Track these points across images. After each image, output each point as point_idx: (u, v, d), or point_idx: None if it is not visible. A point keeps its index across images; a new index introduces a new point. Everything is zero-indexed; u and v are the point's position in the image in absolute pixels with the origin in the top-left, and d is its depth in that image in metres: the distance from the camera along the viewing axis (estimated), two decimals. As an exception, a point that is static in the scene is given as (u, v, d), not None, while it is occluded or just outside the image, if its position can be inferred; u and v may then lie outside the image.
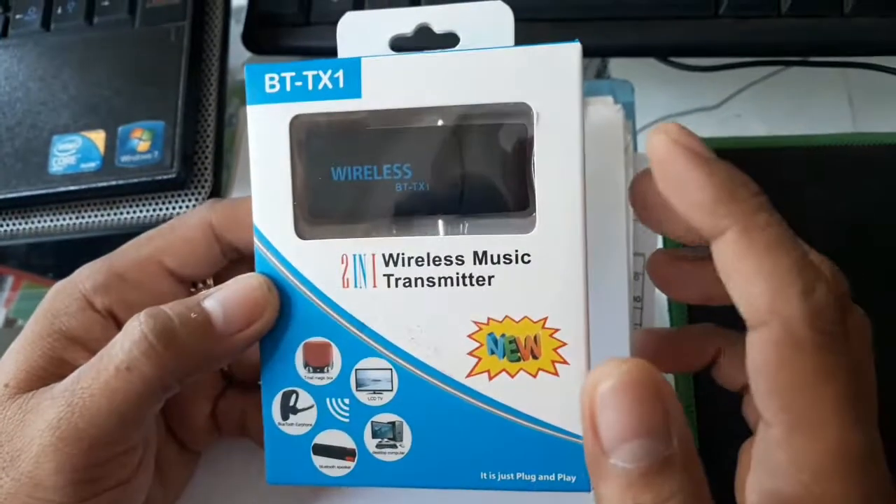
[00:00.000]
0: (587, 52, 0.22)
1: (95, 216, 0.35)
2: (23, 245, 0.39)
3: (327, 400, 0.23)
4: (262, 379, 0.23)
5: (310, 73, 0.22)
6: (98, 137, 0.35)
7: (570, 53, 0.21)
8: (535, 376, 0.22)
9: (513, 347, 0.22)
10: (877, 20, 0.35)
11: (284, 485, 0.23)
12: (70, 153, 0.35)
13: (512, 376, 0.22)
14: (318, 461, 0.23)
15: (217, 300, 0.23)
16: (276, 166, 0.22)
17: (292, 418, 0.23)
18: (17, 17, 0.39)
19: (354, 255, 0.22)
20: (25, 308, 0.40)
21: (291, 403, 0.23)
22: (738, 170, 0.19)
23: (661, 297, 0.33)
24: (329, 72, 0.22)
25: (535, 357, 0.22)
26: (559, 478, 0.22)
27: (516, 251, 0.22)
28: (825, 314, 0.17)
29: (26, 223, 0.36)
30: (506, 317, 0.22)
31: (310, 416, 0.23)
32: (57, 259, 0.39)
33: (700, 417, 0.30)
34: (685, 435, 0.16)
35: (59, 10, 0.39)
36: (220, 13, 0.38)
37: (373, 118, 0.22)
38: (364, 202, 0.23)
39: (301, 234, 0.23)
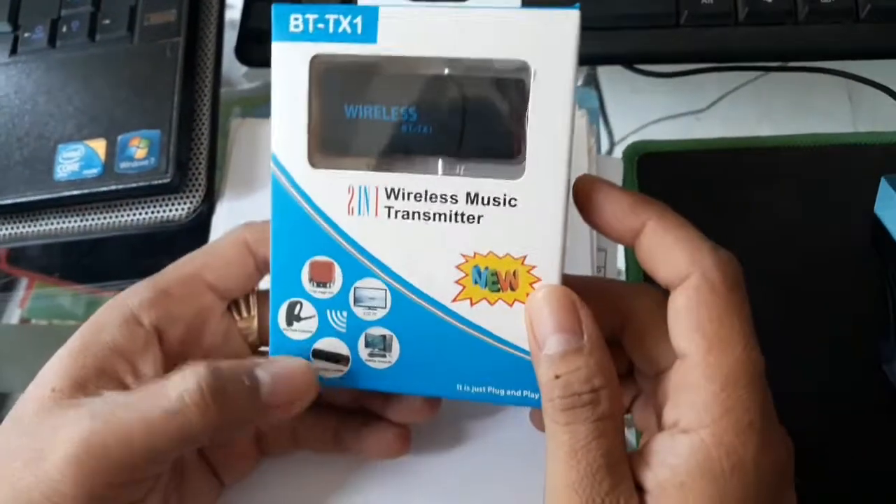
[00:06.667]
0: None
1: (97, 219, 0.38)
2: (33, 247, 0.42)
3: (328, 311, 0.26)
4: (272, 289, 0.26)
5: (331, 17, 0.24)
6: (99, 146, 0.38)
7: (569, 18, 0.23)
8: (511, 305, 0.25)
9: (494, 279, 0.25)
10: (828, 27, 0.38)
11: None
12: (74, 160, 0.38)
13: (491, 304, 0.25)
14: (317, 364, 0.26)
15: (268, 373, 0.25)
16: (295, 100, 0.25)
17: (296, 325, 0.26)
18: (26, 35, 0.42)
19: (360, 186, 0.25)
20: (38, 307, 0.43)
21: (296, 312, 0.26)
22: None
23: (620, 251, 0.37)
24: (349, 17, 0.24)
25: (512, 289, 0.25)
26: (524, 394, 0.25)
27: (504, 194, 0.24)
28: (731, 263, 0.23)
29: (34, 226, 0.39)
30: (490, 252, 0.25)
31: (311, 325, 0.26)
32: (63, 259, 0.43)
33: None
34: (594, 333, 0.23)
35: (64, 29, 0.41)
36: (213, 29, 0.41)
37: (386, 63, 0.25)
38: (372, 139, 0.25)
39: (314, 163, 0.25)
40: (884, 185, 0.33)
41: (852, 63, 0.40)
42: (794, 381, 0.31)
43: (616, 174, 0.38)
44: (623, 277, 0.37)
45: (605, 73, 0.46)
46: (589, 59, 0.41)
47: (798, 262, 0.34)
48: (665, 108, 0.47)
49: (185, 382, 0.24)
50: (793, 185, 0.36)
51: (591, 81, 0.46)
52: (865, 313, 0.33)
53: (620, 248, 0.37)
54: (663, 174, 0.37)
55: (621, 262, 0.37)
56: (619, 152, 0.39)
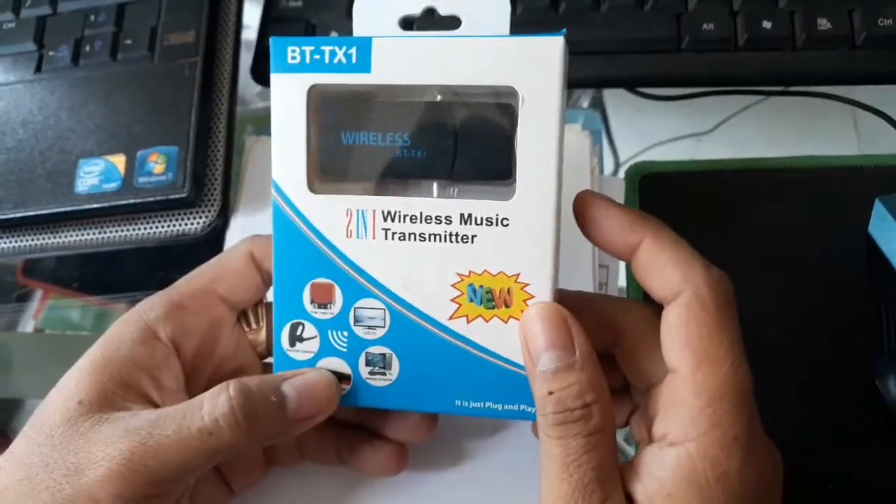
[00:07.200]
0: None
1: (115, 231, 0.40)
2: (49, 259, 0.44)
3: (329, 332, 0.27)
4: (275, 311, 0.27)
5: (327, 48, 0.25)
6: (119, 161, 0.40)
7: (554, 44, 0.24)
8: (506, 322, 0.25)
9: (489, 297, 0.25)
10: (825, 53, 0.39)
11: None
12: (94, 175, 0.39)
13: (487, 321, 0.25)
14: (319, 383, 0.27)
15: (293, 387, 0.26)
16: (294, 128, 0.26)
17: (298, 346, 0.27)
18: (51, 54, 0.44)
19: (358, 210, 0.26)
20: (52, 318, 0.44)
21: (298, 333, 0.27)
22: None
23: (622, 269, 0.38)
24: (344, 48, 0.25)
25: (507, 306, 0.25)
26: (521, 408, 0.26)
27: (497, 215, 0.25)
28: (722, 282, 0.23)
29: (54, 238, 0.41)
30: (484, 271, 0.25)
31: (313, 345, 0.27)
32: (80, 271, 0.44)
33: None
34: (586, 349, 0.23)
35: (87, 48, 0.43)
36: (230, 50, 0.43)
37: (380, 91, 0.26)
38: (369, 164, 0.26)
39: (313, 188, 0.26)
40: (877, 206, 0.33)
41: (857, 89, 0.40)
42: (791, 396, 0.31)
43: (618, 194, 0.39)
44: (625, 294, 0.37)
45: (611, 96, 0.47)
46: (592, 81, 0.42)
47: (796, 282, 0.34)
48: (670, 131, 0.48)
49: (217, 402, 0.24)
50: (791, 205, 0.36)
51: (598, 104, 0.47)
52: (862, 330, 0.33)
53: (622, 265, 0.38)
54: (664, 194, 0.38)
55: (623, 279, 0.38)
56: (624, 173, 0.40)
